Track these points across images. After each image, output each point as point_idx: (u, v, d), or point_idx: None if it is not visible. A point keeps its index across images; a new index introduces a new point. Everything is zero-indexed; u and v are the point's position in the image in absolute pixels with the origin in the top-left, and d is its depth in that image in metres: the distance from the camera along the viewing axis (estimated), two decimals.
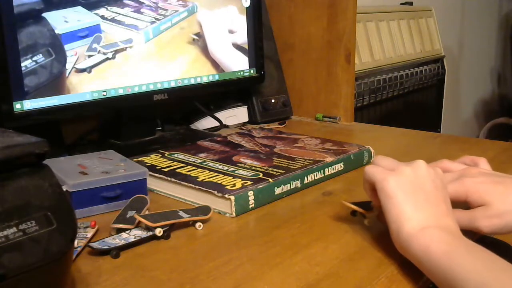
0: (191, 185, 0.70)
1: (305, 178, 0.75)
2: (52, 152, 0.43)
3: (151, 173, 0.74)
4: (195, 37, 0.99)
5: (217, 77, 1.04)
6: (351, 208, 0.62)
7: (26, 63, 0.76)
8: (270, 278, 0.51)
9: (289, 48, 1.24)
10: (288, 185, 0.73)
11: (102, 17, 0.86)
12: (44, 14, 0.78)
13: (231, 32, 1.06)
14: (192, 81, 1.00)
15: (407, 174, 0.56)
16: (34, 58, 0.77)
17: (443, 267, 0.47)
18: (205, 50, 1.01)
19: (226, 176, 0.72)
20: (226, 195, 0.66)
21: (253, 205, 0.68)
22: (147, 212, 0.65)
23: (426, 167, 0.57)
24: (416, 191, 0.54)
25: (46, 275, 0.40)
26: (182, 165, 0.78)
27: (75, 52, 0.82)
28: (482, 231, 0.56)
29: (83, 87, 0.84)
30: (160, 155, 0.83)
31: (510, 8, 3.08)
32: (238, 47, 1.07)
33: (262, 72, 1.12)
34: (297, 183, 0.74)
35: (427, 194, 0.54)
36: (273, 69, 1.22)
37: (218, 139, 0.94)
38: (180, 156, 0.83)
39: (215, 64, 1.04)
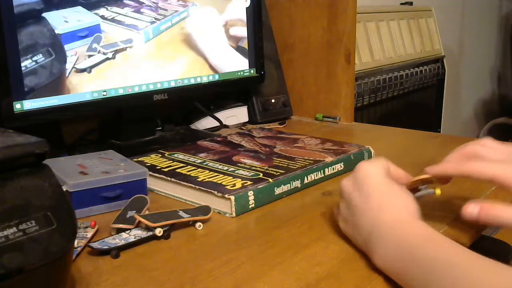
0: (191, 185, 0.70)
1: (305, 178, 0.75)
2: (52, 152, 0.43)
3: (151, 173, 0.74)
4: (194, 39, 0.99)
5: (217, 77, 1.04)
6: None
7: (26, 63, 0.76)
8: (270, 278, 0.51)
9: (289, 48, 1.24)
10: (288, 185, 0.73)
11: (102, 17, 0.86)
12: (44, 14, 0.78)
13: (228, 32, 1.06)
14: (192, 81, 1.00)
15: (353, 176, 0.57)
16: (34, 58, 0.77)
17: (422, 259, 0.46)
18: (204, 50, 1.01)
19: (226, 176, 0.72)
20: (226, 195, 0.66)
21: (253, 205, 0.68)
22: (147, 212, 0.65)
23: (368, 165, 0.58)
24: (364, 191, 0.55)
25: (46, 275, 0.40)
26: (182, 165, 0.78)
27: (75, 52, 0.82)
28: None
29: (83, 87, 0.84)
30: (160, 155, 0.83)
31: (510, 8, 3.08)
32: (237, 47, 1.08)
33: (262, 72, 1.12)
34: (297, 183, 0.74)
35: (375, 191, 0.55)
36: (273, 69, 1.22)
37: (218, 139, 0.94)
38: (180, 156, 0.83)
39: (214, 64, 1.04)
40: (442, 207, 0.66)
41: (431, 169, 0.58)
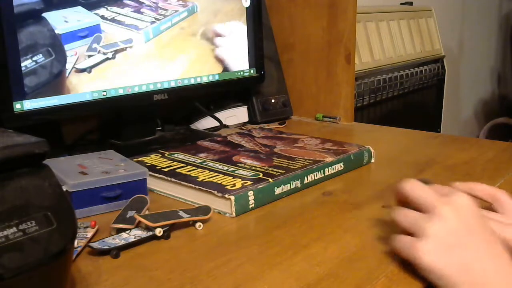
0: (191, 185, 0.70)
1: (305, 178, 0.75)
2: (52, 152, 0.43)
3: (151, 173, 0.74)
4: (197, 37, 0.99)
5: (217, 77, 1.04)
6: None
7: (26, 63, 0.76)
8: (270, 278, 0.51)
9: (289, 48, 1.24)
10: (288, 185, 0.73)
11: (102, 17, 0.86)
12: (44, 14, 0.78)
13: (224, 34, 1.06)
14: (192, 81, 1.00)
15: (447, 220, 0.49)
16: (34, 58, 0.77)
17: None
18: (204, 50, 1.01)
19: (226, 176, 0.72)
20: (226, 195, 0.66)
21: (253, 205, 0.68)
22: (147, 212, 0.65)
23: (470, 202, 0.51)
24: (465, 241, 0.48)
25: (46, 275, 0.40)
26: (182, 165, 0.78)
27: (75, 52, 0.82)
28: None
29: (83, 87, 0.84)
30: (160, 155, 0.83)
31: (510, 8, 3.08)
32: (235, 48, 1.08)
33: (262, 72, 1.12)
34: (297, 183, 0.74)
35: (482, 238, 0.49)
36: (273, 69, 1.22)
37: (218, 139, 0.94)
38: (180, 156, 0.83)
39: (215, 64, 1.04)
40: None
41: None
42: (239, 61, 1.08)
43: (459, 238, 0.49)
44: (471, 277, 0.47)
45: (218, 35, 1.03)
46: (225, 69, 1.05)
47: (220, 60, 1.04)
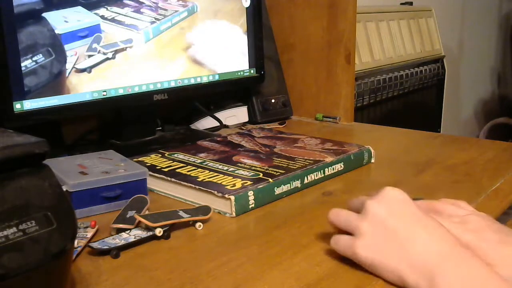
0: (191, 185, 0.70)
1: (305, 178, 0.75)
2: (52, 152, 0.43)
3: (151, 173, 0.74)
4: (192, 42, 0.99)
5: (217, 77, 1.04)
6: None
7: (26, 63, 0.76)
8: (270, 278, 0.51)
9: (289, 48, 1.24)
10: (288, 185, 0.73)
11: (102, 17, 0.86)
12: (44, 14, 0.78)
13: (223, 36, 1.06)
14: (192, 81, 1.00)
15: (377, 212, 0.50)
16: (34, 58, 0.77)
17: None
18: (204, 50, 1.01)
19: (226, 176, 0.72)
20: (226, 195, 0.66)
21: (253, 205, 0.68)
22: (147, 212, 0.65)
23: (398, 192, 0.52)
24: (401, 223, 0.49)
25: (46, 275, 0.40)
26: (182, 165, 0.78)
27: (75, 52, 0.82)
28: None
29: (83, 87, 0.84)
30: (160, 155, 0.83)
31: (510, 8, 3.08)
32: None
33: (262, 72, 1.12)
34: (297, 183, 0.74)
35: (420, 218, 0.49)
36: (273, 69, 1.22)
37: (218, 139, 0.94)
38: (180, 156, 0.83)
39: (214, 64, 1.04)
40: None
41: None
42: (239, 61, 1.08)
43: (392, 226, 0.49)
44: (415, 261, 0.47)
45: (218, 35, 1.03)
46: (225, 69, 1.05)
47: (220, 60, 1.04)
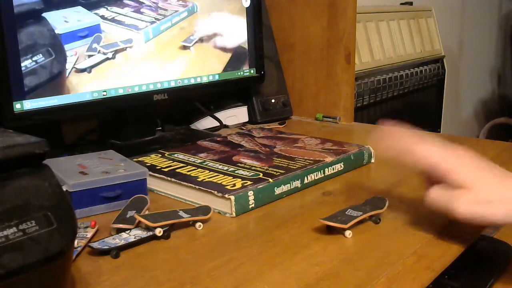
0: (191, 185, 0.70)
1: (305, 178, 0.75)
2: (52, 152, 0.43)
3: (151, 173, 0.74)
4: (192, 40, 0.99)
5: (217, 77, 1.04)
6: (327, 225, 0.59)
7: (26, 63, 0.76)
8: (270, 278, 0.51)
9: (289, 48, 1.24)
10: (288, 185, 0.73)
11: (102, 17, 0.86)
12: (44, 14, 0.78)
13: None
14: (192, 81, 1.00)
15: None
16: (34, 58, 0.77)
17: None
18: (204, 50, 1.01)
19: (226, 176, 0.72)
20: (226, 195, 0.66)
21: (253, 205, 0.68)
22: (147, 212, 0.65)
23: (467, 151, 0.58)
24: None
25: (46, 275, 0.40)
26: (182, 165, 0.78)
27: (75, 52, 0.82)
28: (456, 214, 0.54)
29: (83, 87, 0.84)
30: (160, 155, 0.83)
31: (510, 8, 3.08)
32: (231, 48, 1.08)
33: (262, 72, 1.12)
34: (297, 183, 0.74)
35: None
36: (273, 69, 1.22)
37: (218, 139, 0.94)
38: (180, 156, 0.83)
39: (215, 64, 1.04)
40: None
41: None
42: (238, 61, 1.08)
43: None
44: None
45: (218, 35, 1.03)
46: (225, 69, 1.05)
47: (220, 60, 1.04)
